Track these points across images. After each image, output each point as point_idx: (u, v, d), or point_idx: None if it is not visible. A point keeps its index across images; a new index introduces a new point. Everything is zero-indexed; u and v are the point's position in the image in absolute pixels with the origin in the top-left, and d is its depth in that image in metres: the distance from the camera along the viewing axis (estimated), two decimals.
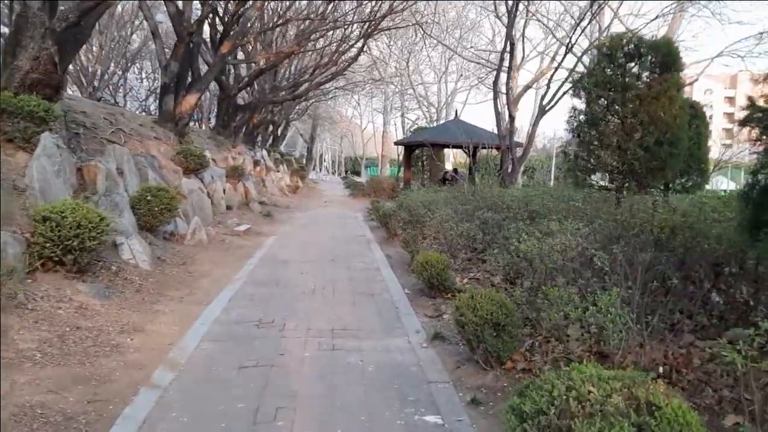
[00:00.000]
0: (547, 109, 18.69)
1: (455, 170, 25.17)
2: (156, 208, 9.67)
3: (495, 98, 19.22)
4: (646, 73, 9.82)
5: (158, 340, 5.73)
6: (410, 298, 7.54)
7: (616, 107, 9.63)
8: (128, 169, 11.32)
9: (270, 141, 39.45)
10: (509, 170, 17.69)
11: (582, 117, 10.12)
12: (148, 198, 9.74)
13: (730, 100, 77.18)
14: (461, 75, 38.16)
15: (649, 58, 9.79)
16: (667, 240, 5.25)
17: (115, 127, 13.36)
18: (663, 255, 4.93)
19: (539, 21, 24.08)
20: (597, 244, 5.21)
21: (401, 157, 35.80)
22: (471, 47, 31.28)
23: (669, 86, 9.49)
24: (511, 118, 18.30)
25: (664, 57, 9.69)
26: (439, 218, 9.33)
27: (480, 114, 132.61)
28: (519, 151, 20.17)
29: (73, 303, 6.21)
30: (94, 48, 31.63)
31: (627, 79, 9.75)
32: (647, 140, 9.24)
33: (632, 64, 9.98)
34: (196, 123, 40.39)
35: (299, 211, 18.68)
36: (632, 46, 9.87)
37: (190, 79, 18.05)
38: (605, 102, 9.82)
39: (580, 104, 10.42)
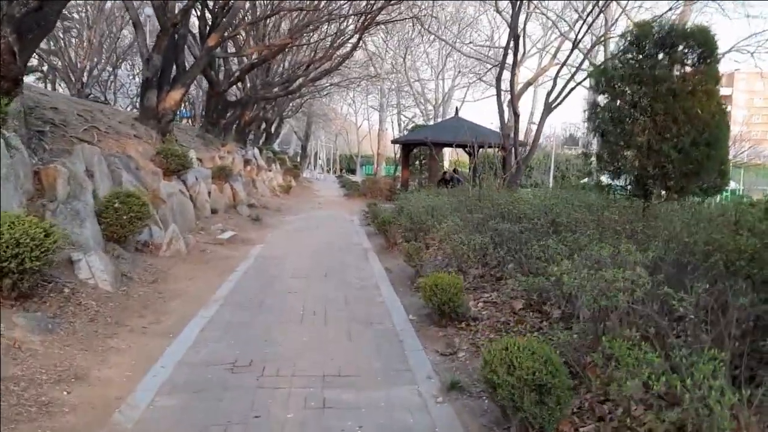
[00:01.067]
0: (553, 106, 17.54)
1: (455, 170, 23.95)
2: (124, 217, 8.42)
3: (498, 95, 18.04)
4: (677, 65, 8.66)
5: (104, 392, 4.50)
6: (416, 326, 6.33)
7: (646, 103, 8.45)
8: (99, 171, 10.09)
9: (263, 139, 38.16)
10: (514, 171, 16.51)
11: (605, 114, 8.94)
12: (116, 205, 8.49)
13: (727, 98, 76.17)
14: (459, 72, 36.93)
15: (682, 47, 8.62)
16: (747, 268, 4.08)
17: (88, 125, 12.13)
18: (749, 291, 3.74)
19: (544, 14, 22.87)
20: (660, 275, 4.02)
21: (398, 156, 34.56)
22: (470, 43, 30.05)
23: (706, 79, 8.29)
24: (516, 115, 17.11)
25: (700, 46, 8.51)
26: (446, 229, 8.12)
27: (478, 111, 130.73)
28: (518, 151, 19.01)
29: (4, 341, 4.98)
30: (85, 43, 30.43)
31: (657, 71, 8.58)
32: (683, 140, 8.06)
33: (662, 55, 8.82)
34: (189, 120, 39.09)
35: (291, 214, 17.43)
36: (663, 33, 8.69)
37: (174, 74, 16.83)
38: (633, 97, 8.63)
39: (603, 99, 9.27)
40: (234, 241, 11.40)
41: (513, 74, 17.22)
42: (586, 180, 38.95)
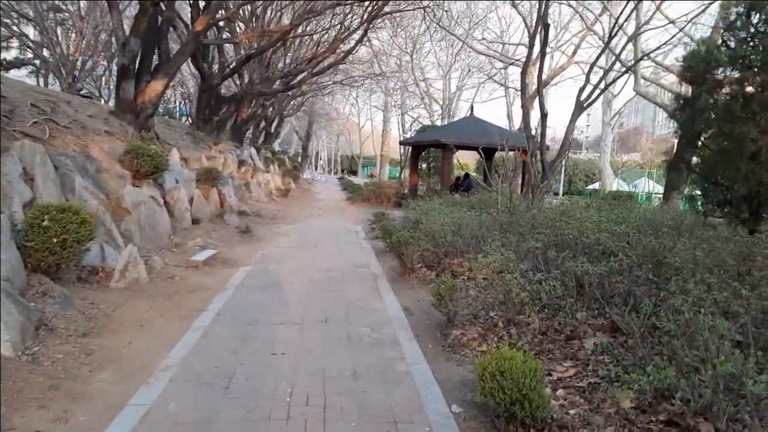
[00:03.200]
0: (585, 105, 15.22)
1: (466, 175, 21.56)
2: (55, 240, 6.10)
3: (523, 91, 15.73)
4: None
5: None
6: (465, 431, 3.99)
7: (765, 96, 6.12)
8: (42, 175, 7.80)
9: (262, 138, 35.84)
10: (540, 177, 14.14)
11: (701, 110, 6.62)
12: (44, 223, 6.17)
13: None
14: (468, 71, 34.54)
15: None
16: None
17: (43, 117, 9.84)
18: None
19: (569, 5, 20.50)
20: None
21: (404, 158, 32.19)
22: (482, 39, 27.70)
23: None
24: (543, 115, 14.77)
25: None
26: (494, 264, 5.75)
27: (486, 113, 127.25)
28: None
29: None
30: (77, 35, 28.24)
31: None
32: None
33: None
34: (188, 119, 36.66)
35: (287, 223, 15.06)
36: None
37: (157, 62, 14.51)
38: (744, 87, 6.30)
39: (692, 91, 6.93)
40: (213, 263, 9.04)
41: (540, 68, 14.86)
42: (595, 186, 36.40)
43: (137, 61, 13.67)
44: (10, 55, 30.67)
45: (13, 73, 29.28)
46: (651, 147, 69.38)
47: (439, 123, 32.95)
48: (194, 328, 6.00)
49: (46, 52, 27.54)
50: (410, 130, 39.63)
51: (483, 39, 27.67)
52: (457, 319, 6.02)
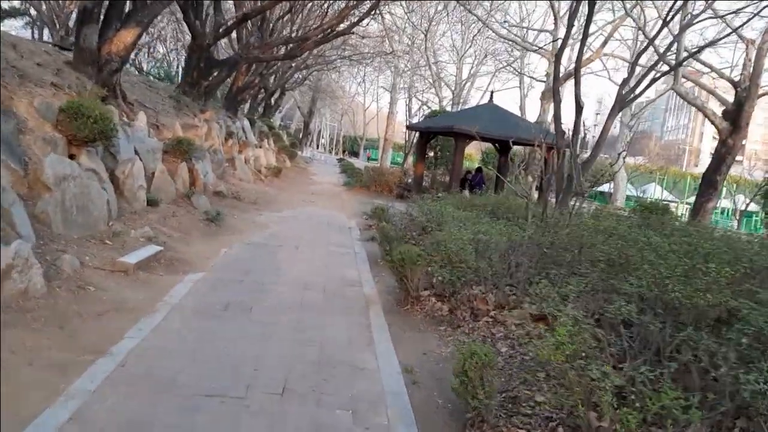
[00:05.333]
0: (627, 99, 12.86)
1: (479, 169, 19.11)
2: None
3: (556, 79, 13.26)
4: None
5: None
6: None
7: None
8: None
9: (261, 110, 33.30)
10: (568, 179, 11.71)
11: None
12: None
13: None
14: (485, 56, 31.96)
15: None
16: None
17: None
18: None
19: None
20: None
21: (409, 144, 29.64)
22: (505, 22, 25.13)
23: None
24: (579, 107, 12.33)
25: None
26: (564, 346, 3.38)
27: (498, 103, 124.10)
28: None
29: None
30: None
31: None
32: None
33: None
34: None
35: (270, 210, 12.62)
36: None
37: (130, 8, 12.02)
38: None
39: None
40: (152, 266, 6.67)
41: (581, 51, 12.41)
42: (603, 188, 33.66)
43: (105, 5, 11.27)
44: (6, 4, 28.24)
45: (9, 24, 26.76)
46: (659, 152, 66.96)
47: (449, 109, 30.43)
48: (69, 394, 3.66)
49: (44, 6, 25.21)
50: (417, 114, 37.03)
51: (505, 22, 25.08)
52: (487, 416, 3.70)
